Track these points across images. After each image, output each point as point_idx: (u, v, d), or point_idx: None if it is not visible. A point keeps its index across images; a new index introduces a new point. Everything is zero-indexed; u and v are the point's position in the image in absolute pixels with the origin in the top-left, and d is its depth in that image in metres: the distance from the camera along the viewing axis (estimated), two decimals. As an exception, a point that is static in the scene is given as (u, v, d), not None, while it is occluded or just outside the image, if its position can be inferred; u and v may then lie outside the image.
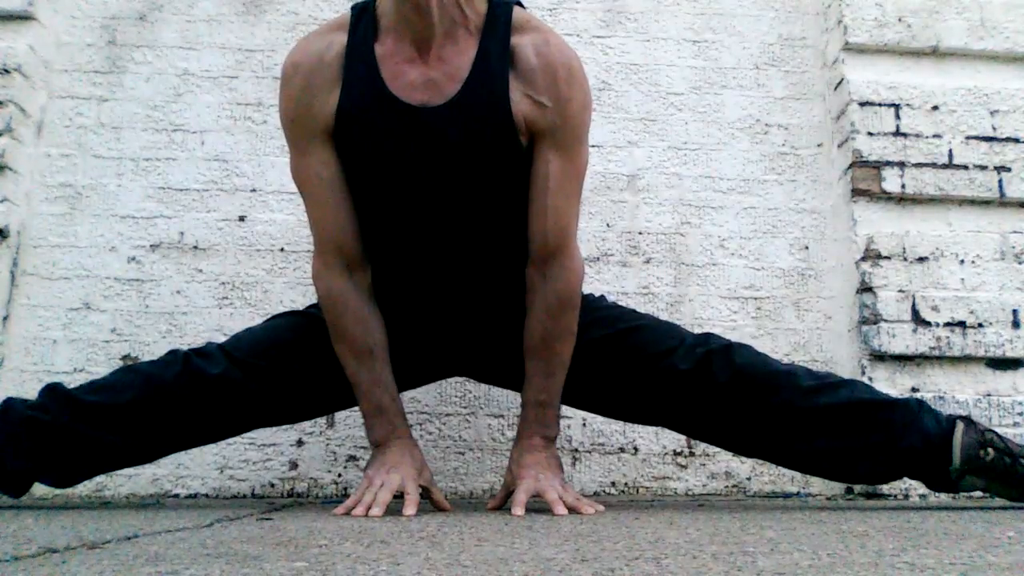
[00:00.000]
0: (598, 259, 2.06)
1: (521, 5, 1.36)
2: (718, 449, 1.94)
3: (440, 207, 1.35)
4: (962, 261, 2.00)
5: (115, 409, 1.37)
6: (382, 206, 1.36)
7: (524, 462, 1.34)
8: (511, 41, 1.30)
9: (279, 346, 1.44)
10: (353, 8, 1.35)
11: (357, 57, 1.30)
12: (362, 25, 1.32)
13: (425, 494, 1.34)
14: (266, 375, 1.41)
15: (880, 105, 2.06)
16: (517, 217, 1.38)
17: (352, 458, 1.93)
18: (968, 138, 2.05)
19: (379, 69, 1.29)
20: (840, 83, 2.11)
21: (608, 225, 2.10)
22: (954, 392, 1.92)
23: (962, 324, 1.95)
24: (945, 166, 2.04)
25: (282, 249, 2.04)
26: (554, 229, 1.34)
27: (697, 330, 1.47)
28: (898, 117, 2.06)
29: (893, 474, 1.41)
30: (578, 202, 1.39)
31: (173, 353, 1.44)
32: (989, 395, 1.93)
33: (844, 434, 1.36)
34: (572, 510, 1.25)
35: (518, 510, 1.23)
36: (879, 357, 1.93)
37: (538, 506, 1.30)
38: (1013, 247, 2.01)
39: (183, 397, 1.39)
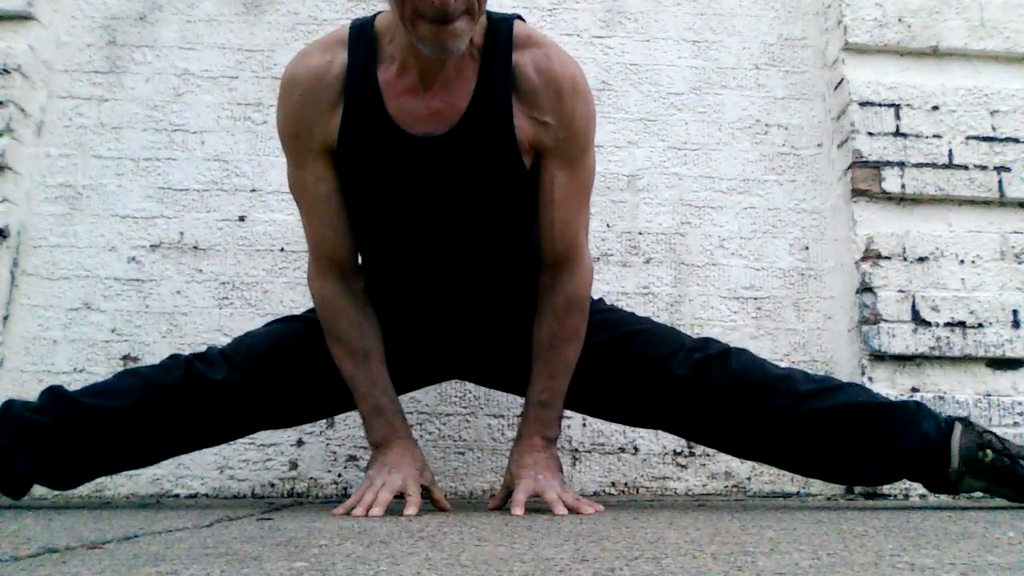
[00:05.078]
0: (598, 259, 2.06)
1: (521, 18, 1.34)
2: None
3: (442, 227, 1.35)
4: (962, 261, 2.00)
5: (116, 413, 1.37)
6: (383, 226, 1.37)
7: (523, 463, 1.34)
8: (513, 59, 1.28)
9: (280, 351, 1.44)
10: (352, 26, 1.33)
11: (359, 82, 1.28)
12: (361, 46, 1.30)
13: (426, 494, 1.34)
14: (267, 380, 1.42)
15: (880, 105, 2.06)
16: (518, 231, 1.39)
17: (352, 458, 1.93)
18: (968, 138, 2.05)
19: (382, 98, 1.28)
20: (840, 83, 2.11)
21: (608, 225, 2.10)
22: (954, 392, 1.92)
23: (962, 324, 1.95)
24: (945, 166, 2.04)
25: (282, 249, 2.04)
26: (562, 240, 1.35)
27: (697, 330, 1.48)
28: (898, 117, 2.06)
29: (892, 476, 1.42)
30: (586, 211, 1.40)
31: (174, 358, 1.44)
32: (989, 395, 1.93)
33: (842, 438, 1.36)
34: (572, 510, 1.25)
35: (517, 510, 1.23)
36: (879, 357, 1.93)
37: (538, 506, 1.30)
38: (1013, 247, 2.01)
39: (184, 402, 1.39)
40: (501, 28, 1.30)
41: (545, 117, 1.29)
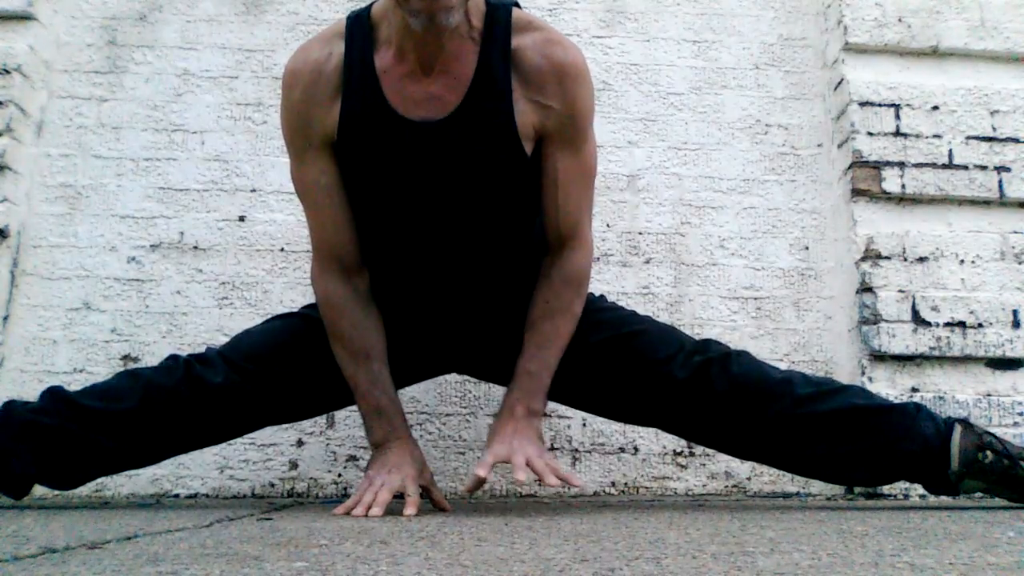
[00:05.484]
0: (598, 259, 2.06)
1: (518, 5, 1.34)
2: (718, 449, 1.94)
3: (442, 214, 1.35)
4: (962, 261, 2.00)
5: (116, 415, 1.37)
6: (384, 214, 1.37)
7: (501, 431, 1.30)
8: (512, 44, 1.28)
9: (278, 350, 1.44)
10: (348, 17, 1.33)
11: (356, 70, 1.28)
12: (358, 35, 1.30)
13: (425, 494, 1.34)
14: (267, 380, 1.42)
15: (880, 105, 2.06)
16: (520, 220, 1.38)
17: (352, 458, 1.93)
18: (968, 138, 2.05)
19: (380, 84, 1.28)
20: (840, 83, 2.11)
21: (608, 225, 2.10)
22: (954, 392, 1.92)
23: (962, 324, 1.95)
24: (945, 166, 2.03)
25: (282, 249, 2.04)
26: (565, 223, 1.35)
27: (697, 331, 1.47)
28: (898, 117, 2.06)
29: (892, 478, 1.42)
30: (590, 197, 1.40)
31: (174, 359, 1.44)
32: (989, 395, 1.93)
33: (842, 440, 1.36)
34: (537, 474, 1.22)
35: (480, 470, 1.22)
36: (879, 357, 1.93)
37: (539, 507, 1.30)
38: (1013, 247, 2.01)
39: (184, 404, 1.39)
40: (500, 13, 1.30)
41: (549, 101, 1.29)
